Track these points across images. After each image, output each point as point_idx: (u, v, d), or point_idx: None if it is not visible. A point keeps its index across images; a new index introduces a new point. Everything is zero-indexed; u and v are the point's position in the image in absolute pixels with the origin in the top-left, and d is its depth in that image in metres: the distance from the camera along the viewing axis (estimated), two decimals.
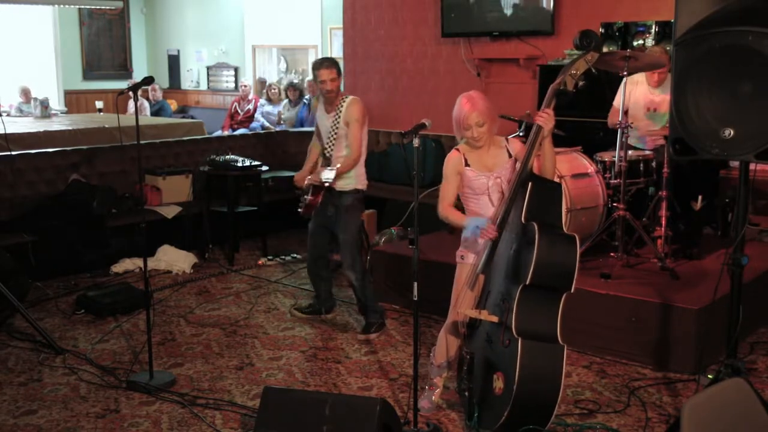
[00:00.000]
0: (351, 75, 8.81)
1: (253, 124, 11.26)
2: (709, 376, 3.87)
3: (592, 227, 5.10)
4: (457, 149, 3.70)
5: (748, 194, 3.46)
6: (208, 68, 13.78)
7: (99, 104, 12.14)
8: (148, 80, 4.54)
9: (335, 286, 5.55)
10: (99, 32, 14.18)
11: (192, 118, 12.75)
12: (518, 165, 3.55)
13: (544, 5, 7.08)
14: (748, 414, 2.35)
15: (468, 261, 3.72)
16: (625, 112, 5.07)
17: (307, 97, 10.73)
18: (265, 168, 7.07)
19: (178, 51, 14.26)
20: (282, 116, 11.05)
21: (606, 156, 5.28)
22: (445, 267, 4.69)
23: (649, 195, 5.29)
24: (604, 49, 6.71)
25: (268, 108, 11.37)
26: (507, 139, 3.74)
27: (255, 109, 11.48)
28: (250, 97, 11.74)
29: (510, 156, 3.66)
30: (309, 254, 5.19)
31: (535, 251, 3.30)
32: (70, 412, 3.92)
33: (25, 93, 12.01)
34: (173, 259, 6.47)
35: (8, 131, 6.56)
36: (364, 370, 4.43)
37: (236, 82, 13.10)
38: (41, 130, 9.10)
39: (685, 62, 3.35)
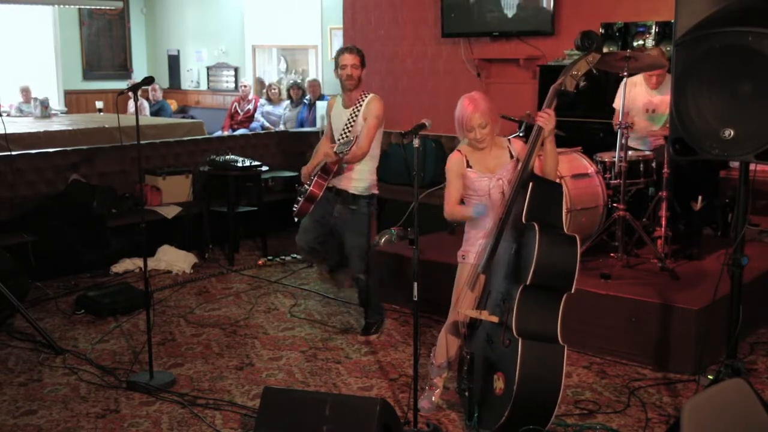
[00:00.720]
0: None
1: (253, 124, 11.26)
2: (709, 377, 3.87)
3: (592, 227, 5.11)
4: (459, 150, 3.70)
5: (748, 194, 3.46)
6: (208, 68, 13.77)
7: (99, 104, 12.13)
8: (148, 80, 4.54)
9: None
10: (99, 32, 14.18)
11: (192, 118, 12.74)
12: (519, 165, 3.55)
13: (544, 5, 7.08)
14: (748, 414, 2.35)
15: (469, 261, 3.72)
16: (626, 113, 5.07)
17: (307, 97, 10.73)
18: (265, 168, 7.07)
19: (178, 51, 14.26)
20: (283, 117, 11.05)
21: (606, 156, 5.29)
22: (445, 267, 4.70)
23: (649, 195, 5.30)
24: (604, 50, 6.72)
25: (268, 108, 11.37)
26: (509, 140, 3.74)
27: (255, 109, 11.48)
28: (250, 97, 11.74)
29: (512, 156, 3.66)
30: (307, 240, 4.90)
31: (536, 252, 3.30)
32: (70, 412, 3.92)
33: (25, 93, 12.01)
34: (173, 259, 6.47)
35: (8, 131, 6.56)
36: (364, 370, 4.43)
37: (236, 82, 13.09)
38: (41, 130, 9.09)
39: (685, 62, 3.35)
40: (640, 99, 5.44)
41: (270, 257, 6.77)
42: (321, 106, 9.06)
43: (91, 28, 14.07)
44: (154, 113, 12.53)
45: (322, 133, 8.39)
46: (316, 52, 12.08)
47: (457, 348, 3.81)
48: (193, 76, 14.09)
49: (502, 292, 3.49)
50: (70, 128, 9.41)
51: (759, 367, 4.44)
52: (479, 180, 3.64)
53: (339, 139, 4.63)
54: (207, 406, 3.95)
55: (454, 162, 3.70)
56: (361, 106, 4.61)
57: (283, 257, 6.78)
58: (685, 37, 3.34)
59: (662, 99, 5.28)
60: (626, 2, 6.71)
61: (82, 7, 13.48)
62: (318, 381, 4.29)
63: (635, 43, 6.55)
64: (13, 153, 6.36)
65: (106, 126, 9.31)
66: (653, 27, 6.46)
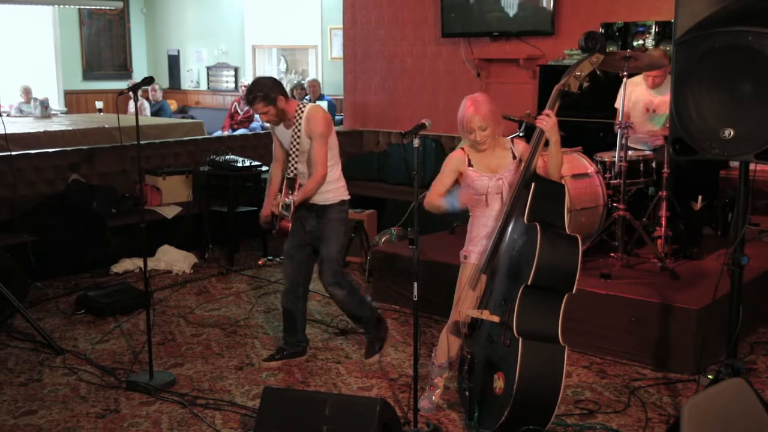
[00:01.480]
0: (351, 75, 8.82)
1: (253, 124, 11.26)
2: (709, 376, 3.87)
3: (592, 227, 5.10)
4: (462, 149, 3.70)
5: (748, 194, 3.46)
6: (208, 68, 13.78)
7: (99, 104, 12.14)
8: (148, 80, 4.53)
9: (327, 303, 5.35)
10: (99, 32, 14.19)
11: (192, 118, 12.75)
12: (522, 166, 3.55)
13: (544, 5, 7.08)
14: (748, 414, 2.36)
15: (471, 261, 3.72)
16: (626, 113, 5.07)
17: (307, 97, 10.74)
18: (265, 168, 7.06)
19: (178, 51, 14.26)
20: None
21: (606, 156, 5.29)
22: (445, 267, 4.71)
23: (649, 195, 5.30)
24: None
25: None
26: (512, 141, 3.73)
27: None
28: None
29: (515, 157, 3.66)
30: (286, 281, 4.53)
31: (537, 252, 3.30)
32: (70, 412, 3.92)
33: (26, 93, 12.01)
34: (173, 259, 6.47)
35: (8, 131, 6.56)
36: (364, 370, 4.43)
37: (236, 82, 13.10)
38: (41, 130, 9.09)
39: (685, 62, 3.35)
40: (641, 99, 5.44)
41: (270, 257, 6.77)
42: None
43: (91, 28, 14.07)
44: (154, 113, 12.53)
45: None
46: (316, 52, 12.08)
47: (458, 348, 3.81)
48: (193, 76, 14.09)
49: (503, 292, 3.49)
50: (70, 128, 9.41)
51: (759, 366, 4.44)
52: (479, 179, 3.64)
53: (292, 160, 4.30)
54: (207, 406, 3.95)
55: (453, 159, 3.70)
56: (300, 121, 4.23)
57: (283, 257, 6.76)
58: (685, 37, 3.34)
59: (663, 99, 5.28)
60: (626, 2, 6.72)
61: (82, 7, 13.48)
62: (318, 381, 4.29)
63: (635, 43, 6.55)
64: (13, 153, 6.36)
65: (106, 126, 9.30)
66: (653, 27, 6.46)
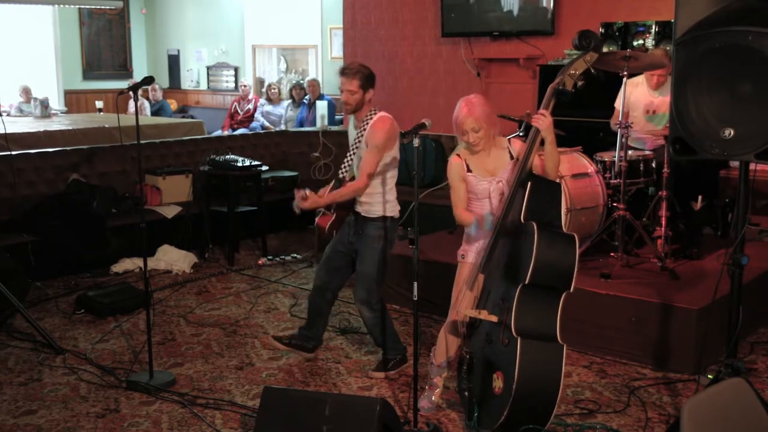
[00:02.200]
0: None
1: (253, 124, 11.26)
2: (709, 376, 3.87)
3: (592, 227, 5.11)
4: (458, 155, 3.70)
5: (748, 194, 3.46)
6: (208, 68, 13.78)
7: (99, 104, 12.14)
8: (148, 80, 4.53)
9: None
10: (99, 32, 14.19)
11: (192, 118, 12.75)
12: (518, 165, 3.55)
13: (544, 5, 7.08)
14: (748, 414, 2.35)
15: (468, 260, 3.72)
16: (626, 113, 5.07)
17: (307, 97, 10.73)
18: (265, 168, 7.07)
19: (178, 51, 14.26)
20: (284, 116, 11.06)
21: (606, 156, 5.29)
22: (445, 267, 4.70)
23: (649, 195, 5.30)
24: (604, 49, 6.72)
25: (268, 108, 11.38)
26: (509, 140, 3.74)
27: (255, 109, 11.48)
28: (250, 97, 11.74)
29: (512, 157, 3.66)
30: (316, 281, 4.47)
31: (534, 251, 3.30)
32: (70, 412, 3.92)
33: (26, 93, 12.01)
34: (173, 259, 6.47)
35: (8, 131, 6.57)
36: (364, 370, 4.43)
37: (236, 82, 13.10)
38: (41, 130, 9.10)
39: (685, 62, 3.35)
40: (642, 100, 5.44)
41: (270, 257, 6.77)
42: (321, 106, 9.06)
43: (91, 28, 14.07)
44: (154, 113, 12.54)
45: (322, 133, 8.46)
46: (316, 52, 12.08)
47: (457, 348, 3.81)
48: (193, 76, 14.09)
49: (501, 291, 3.49)
50: (70, 128, 9.42)
51: (759, 366, 4.44)
52: (479, 183, 3.64)
53: (347, 160, 4.29)
54: (207, 406, 3.95)
55: (454, 167, 3.70)
56: (366, 126, 4.17)
57: (283, 257, 6.78)
58: (685, 37, 3.34)
59: (663, 100, 5.28)
60: (626, 2, 6.72)
61: (82, 7, 13.49)
62: (318, 381, 4.29)
63: (635, 43, 6.55)
64: (13, 153, 6.37)
65: (106, 126, 9.31)
66: (653, 27, 6.46)
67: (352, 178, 4.23)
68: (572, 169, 5.09)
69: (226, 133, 11.05)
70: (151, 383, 4.15)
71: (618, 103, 5.40)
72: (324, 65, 11.87)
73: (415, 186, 3.54)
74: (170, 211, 6.85)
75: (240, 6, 12.94)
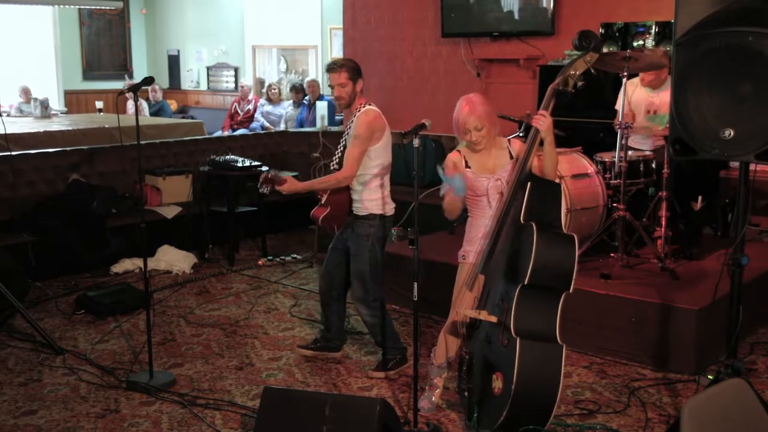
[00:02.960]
0: None
1: (253, 124, 11.27)
2: (709, 376, 3.87)
3: (592, 227, 5.10)
4: (458, 151, 3.70)
5: (748, 194, 3.46)
6: (208, 68, 13.78)
7: (99, 104, 12.15)
8: (148, 80, 4.53)
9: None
10: (99, 32, 14.19)
11: (192, 118, 12.75)
12: (517, 165, 3.55)
13: (544, 5, 7.08)
14: (748, 414, 2.36)
15: (469, 261, 3.72)
16: (627, 114, 5.07)
17: (307, 97, 10.74)
18: (265, 168, 7.07)
19: (178, 51, 14.27)
20: (285, 115, 11.06)
21: (606, 156, 5.28)
22: (445, 267, 4.70)
23: (649, 195, 5.29)
24: (604, 50, 6.72)
25: (268, 108, 11.38)
26: (509, 140, 3.74)
27: (255, 110, 11.49)
28: (250, 97, 11.74)
29: (512, 157, 3.66)
30: (321, 280, 4.56)
31: (533, 251, 3.30)
32: (70, 412, 3.92)
33: (25, 93, 12.02)
34: (173, 259, 6.47)
35: (8, 131, 6.57)
36: (364, 370, 4.43)
37: (236, 82, 13.10)
38: (41, 130, 9.10)
39: (685, 62, 3.35)
40: (642, 100, 5.44)
41: (270, 257, 6.77)
42: (321, 107, 9.07)
43: (91, 28, 14.08)
44: (154, 113, 12.54)
45: (322, 134, 8.46)
46: (316, 52, 12.09)
47: (457, 348, 3.81)
48: (193, 76, 14.10)
49: (500, 292, 3.49)
50: (70, 128, 9.42)
51: (759, 367, 4.44)
52: (477, 180, 3.64)
53: (337, 153, 4.30)
54: (207, 406, 3.95)
55: (450, 161, 3.70)
56: (353, 119, 4.19)
57: (283, 257, 6.78)
58: (685, 37, 3.34)
59: (663, 100, 5.27)
60: (626, 2, 6.71)
61: (82, 7, 13.49)
62: (318, 381, 4.29)
63: (635, 43, 6.55)
64: (13, 153, 6.37)
65: (106, 126, 9.32)
66: (653, 27, 6.46)
67: None
68: (572, 169, 5.09)
69: (226, 133, 11.06)
70: (151, 383, 4.15)
71: (619, 105, 5.39)
72: (324, 65, 11.87)
73: (415, 186, 3.54)
74: (170, 212, 6.85)
75: (240, 6, 12.95)
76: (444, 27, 7.75)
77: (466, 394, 3.57)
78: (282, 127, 10.71)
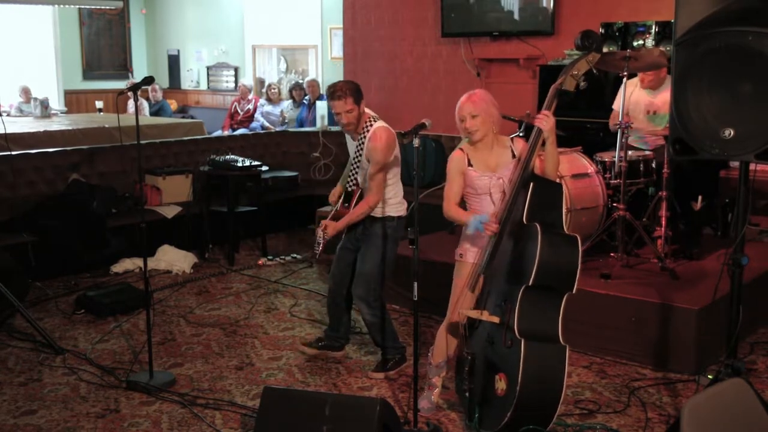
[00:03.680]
0: (351, 75, 8.81)
1: (253, 124, 11.26)
2: (709, 376, 3.87)
3: (592, 227, 5.11)
4: (461, 149, 3.70)
5: (748, 194, 3.46)
6: (208, 68, 13.78)
7: (99, 104, 12.15)
8: (148, 80, 4.53)
9: None
10: (99, 32, 14.19)
11: (192, 118, 12.75)
12: (519, 166, 3.55)
13: (544, 5, 7.08)
14: (748, 414, 2.36)
15: (467, 259, 3.72)
16: (626, 113, 5.07)
17: (306, 97, 10.73)
18: (265, 168, 7.07)
19: (178, 51, 14.26)
20: (287, 114, 11.07)
21: (606, 156, 5.29)
22: (445, 267, 4.69)
23: (649, 195, 5.30)
24: (604, 49, 6.72)
25: (268, 108, 11.38)
26: (512, 139, 3.74)
27: (255, 109, 11.48)
28: (250, 97, 11.74)
29: (514, 156, 3.66)
30: (331, 280, 4.52)
31: (538, 252, 3.30)
32: (70, 412, 3.92)
33: (25, 93, 12.02)
34: (173, 259, 6.47)
35: (8, 131, 6.56)
36: (364, 370, 4.43)
37: (236, 82, 13.10)
38: (41, 130, 9.10)
39: (686, 62, 3.35)
40: (642, 100, 5.44)
41: (270, 257, 6.77)
42: (320, 106, 9.07)
43: (91, 28, 14.08)
44: (154, 113, 12.54)
45: (322, 134, 8.46)
46: (316, 52, 12.08)
47: (456, 347, 3.81)
48: (193, 76, 14.10)
49: (502, 292, 3.49)
50: (70, 128, 9.42)
51: (759, 366, 4.44)
52: (480, 179, 3.64)
53: (352, 173, 4.29)
54: (207, 406, 3.95)
55: (455, 160, 3.70)
56: (364, 139, 4.17)
57: (283, 257, 6.78)
58: (685, 37, 3.34)
59: (663, 100, 5.28)
60: (626, 2, 6.72)
61: (82, 7, 13.49)
62: (318, 381, 4.29)
63: (635, 43, 6.55)
64: (13, 153, 6.37)
65: (106, 126, 9.31)
66: (653, 27, 6.46)
67: (361, 193, 4.25)
68: (572, 169, 5.09)
69: (226, 133, 11.06)
70: (151, 383, 4.15)
71: (616, 104, 5.40)
72: (324, 65, 11.88)
73: (415, 186, 3.54)
74: (170, 211, 6.85)
75: (240, 6, 12.94)
76: (444, 27, 7.75)
77: (467, 394, 3.57)
78: (280, 128, 10.69)
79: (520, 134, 5.48)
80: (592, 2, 6.91)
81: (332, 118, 9.23)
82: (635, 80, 5.44)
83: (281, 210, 7.53)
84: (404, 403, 3.97)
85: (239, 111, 11.55)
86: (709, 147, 3.32)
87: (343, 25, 8.97)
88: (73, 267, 6.26)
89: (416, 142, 3.48)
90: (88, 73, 14.11)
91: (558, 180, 4.89)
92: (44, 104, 11.23)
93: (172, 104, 13.59)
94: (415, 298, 3.57)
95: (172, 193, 7.08)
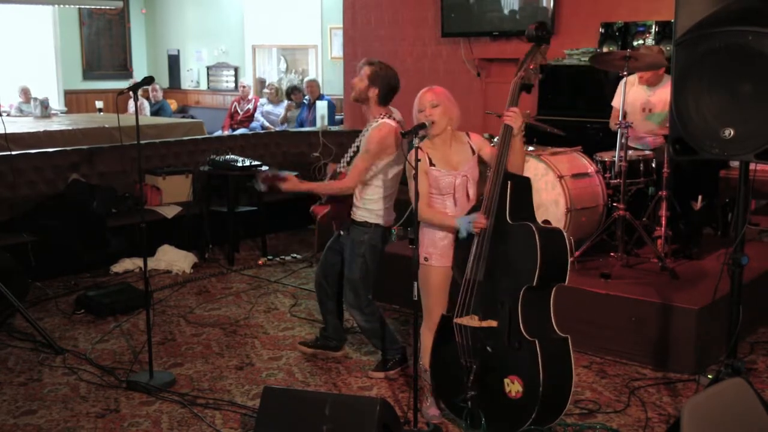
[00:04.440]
0: (351, 75, 8.81)
1: (253, 124, 11.27)
2: (709, 376, 3.87)
3: (592, 227, 5.11)
4: (420, 148, 3.49)
5: (748, 194, 3.46)
6: (208, 68, 13.78)
7: (99, 104, 12.15)
8: (148, 80, 4.53)
9: None
10: (99, 32, 14.19)
11: (192, 118, 12.76)
12: (493, 168, 3.48)
13: (544, 5, 7.09)
14: (748, 414, 2.35)
15: (433, 263, 3.63)
16: (625, 113, 5.08)
17: (306, 97, 10.73)
18: (265, 168, 7.06)
19: (178, 51, 14.27)
20: (285, 116, 11.07)
21: (606, 156, 5.29)
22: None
23: (649, 195, 5.30)
24: (604, 49, 6.73)
25: (268, 108, 11.38)
26: (468, 134, 3.71)
27: (255, 109, 11.49)
28: (250, 96, 11.74)
29: (474, 152, 3.64)
30: (315, 281, 4.59)
31: (539, 253, 3.30)
32: (70, 412, 3.92)
33: (25, 93, 12.02)
34: (173, 259, 6.47)
35: (8, 131, 6.56)
36: (364, 370, 4.43)
37: (236, 82, 13.11)
38: (41, 130, 9.10)
39: (685, 62, 3.35)
40: (638, 99, 5.44)
41: (270, 257, 6.77)
42: (321, 106, 9.07)
43: (91, 28, 14.08)
44: (154, 113, 12.54)
45: (322, 134, 8.46)
46: (316, 52, 12.09)
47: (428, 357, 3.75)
48: (193, 76, 14.10)
49: (495, 294, 3.46)
50: (70, 128, 9.42)
51: (759, 366, 4.44)
52: (443, 178, 3.58)
53: (345, 156, 4.29)
54: (207, 406, 3.95)
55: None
56: (366, 130, 4.15)
57: (283, 257, 6.78)
58: (685, 37, 3.34)
59: (659, 98, 5.28)
60: (626, 2, 6.72)
61: (82, 7, 13.50)
62: (318, 381, 4.29)
63: (635, 43, 6.56)
64: (13, 153, 6.36)
65: (106, 126, 9.32)
66: (653, 27, 6.47)
67: None
68: (572, 169, 5.09)
69: (226, 133, 11.06)
70: (151, 383, 4.15)
71: (615, 102, 5.39)
72: (324, 65, 11.88)
73: (415, 186, 3.53)
74: (170, 211, 6.85)
75: (240, 6, 12.95)
76: (444, 27, 7.75)
77: (468, 404, 3.51)
78: (280, 128, 10.68)
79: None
80: (592, 2, 6.91)
81: (332, 118, 9.31)
82: (633, 78, 5.44)
83: (281, 210, 7.53)
84: (404, 403, 3.96)
85: (239, 111, 11.56)
86: (709, 147, 3.32)
87: (343, 25, 8.97)
88: (73, 267, 6.26)
89: (416, 142, 3.47)
90: (88, 73, 14.12)
91: (558, 179, 4.91)
92: (44, 104, 11.23)
93: (172, 104, 13.59)
94: (416, 298, 3.56)
95: (172, 193, 7.08)
